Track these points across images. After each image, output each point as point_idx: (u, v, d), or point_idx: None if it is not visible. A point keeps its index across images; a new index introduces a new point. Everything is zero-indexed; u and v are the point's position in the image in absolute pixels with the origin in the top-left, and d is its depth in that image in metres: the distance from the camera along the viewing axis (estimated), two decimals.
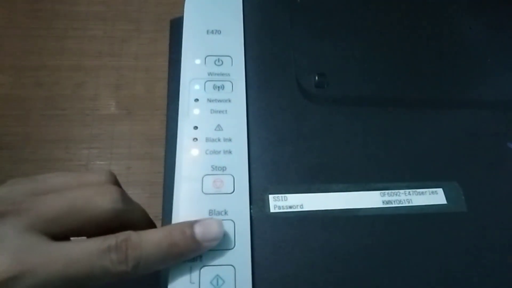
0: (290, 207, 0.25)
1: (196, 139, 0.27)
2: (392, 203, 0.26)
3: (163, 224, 0.25)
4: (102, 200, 0.22)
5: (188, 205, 0.24)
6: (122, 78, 0.69)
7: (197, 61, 0.29)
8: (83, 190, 0.22)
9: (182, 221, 0.24)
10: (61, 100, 0.65)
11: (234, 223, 0.24)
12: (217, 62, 0.29)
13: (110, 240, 0.20)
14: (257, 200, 0.25)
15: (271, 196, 0.25)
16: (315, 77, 0.29)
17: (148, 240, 0.21)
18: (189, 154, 0.26)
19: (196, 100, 0.28)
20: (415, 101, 0.30)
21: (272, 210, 0.25)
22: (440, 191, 0.26)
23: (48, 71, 0.64)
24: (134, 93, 0.69)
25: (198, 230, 0.22)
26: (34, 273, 0.19)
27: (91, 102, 0.66)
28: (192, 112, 0.27)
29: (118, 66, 0.69)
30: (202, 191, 0.25)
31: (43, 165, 0.61)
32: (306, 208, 0.25)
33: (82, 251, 0.20)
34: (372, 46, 0.32)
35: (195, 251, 0.22)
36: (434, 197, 0.26)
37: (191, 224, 0.22)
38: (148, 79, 0.69)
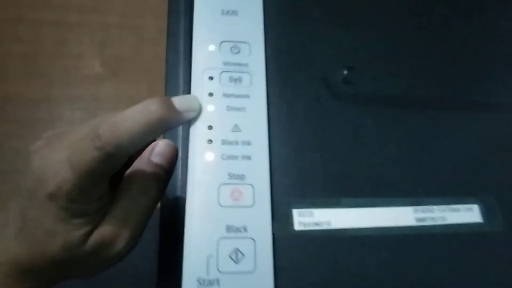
0: (316, 224, 0.22)
1: (211, 141, 0.23)
2: (425, 221, 0.23)
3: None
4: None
5: (203, 219, 0.22)
6: (108, 36, 0.65)
7: (211, 47, 0.26)
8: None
9: (198, 239, 0.21)
10: (42, 58, 0.61)
11: (254, 241, 0.22)
12: (233, 49, 0.26)
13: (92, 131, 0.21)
14: (279, 216, 0.22)
15: (295, 211, 0.23)
16: (343, 72, 0.26)
17: (125, 117, 0.21)
18: (203, 159, 0.23)
19: (210, 94, 0.24)
20: (454, 103, 0.27)
21: (296, 227, 0.22)
22: (475, 207, 0.24)
23: (27, 26, 0.60)
24: (120, 53, 0.66)
25: (175, 99, 0.23)
26: None
27: (74, 60, 0.62)
28: (206, 109, 0.24)
29: (103, 23, 0.65)
30: (219, 203, 0.22)
31: (24, 126, 0.58)
32: (334, 225, 0.23)
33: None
34: (410, 38, 0.28)
35: (175, 119, 0.23)
36: (469, 214, 0.24)
37: (167, 97, 0.23)
38: (135, 38, 0.65)
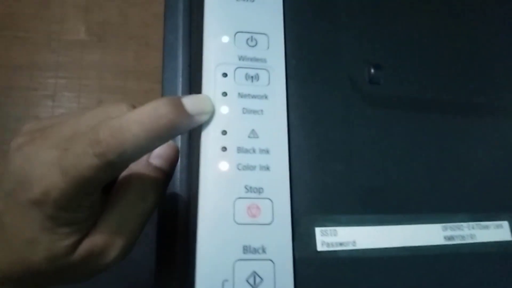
0: (341, 244, 0.21)
1: (225, 149, 0.21)
2: (454, 239, 0.22)
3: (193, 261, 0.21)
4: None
5: (217, 238, 0.20)
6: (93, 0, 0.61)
7: (225, 39, 0.23)
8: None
9: (211, 261, 0.19)
10: (23, 20, 0.58)
11: (273, 264, 0.20)
12: (249, 42, 0.23)
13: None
14: (301, 235, 0.20)
15: (318, 230, 0.21)
16: (370, 70, 0.24)
17: (131, 121, 0.18)
18: (217, 169, 0.21)
19: (224, 94, 0.22)
20: (489, 108, 0.25)
21: (319, 248, 0.20)
22: (505, 224, 0.23)
23: None
24: (105, 18, 0.62)
25: (186, 101, 0.20)
26: None
27: (57, 25, 0.58)
28: (220, 111, 0.21)
29: None
30: (234, 220, 0.20)
31: (6, 94, 0.55)
32: (359, 245, 0.21)
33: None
34: (446, 33, 0.25)
35: (185, 123, 0.20)
36: (499, 232, 0.23)
37: (177, 97, 0.20)
38: (121, 3, 0.61)
